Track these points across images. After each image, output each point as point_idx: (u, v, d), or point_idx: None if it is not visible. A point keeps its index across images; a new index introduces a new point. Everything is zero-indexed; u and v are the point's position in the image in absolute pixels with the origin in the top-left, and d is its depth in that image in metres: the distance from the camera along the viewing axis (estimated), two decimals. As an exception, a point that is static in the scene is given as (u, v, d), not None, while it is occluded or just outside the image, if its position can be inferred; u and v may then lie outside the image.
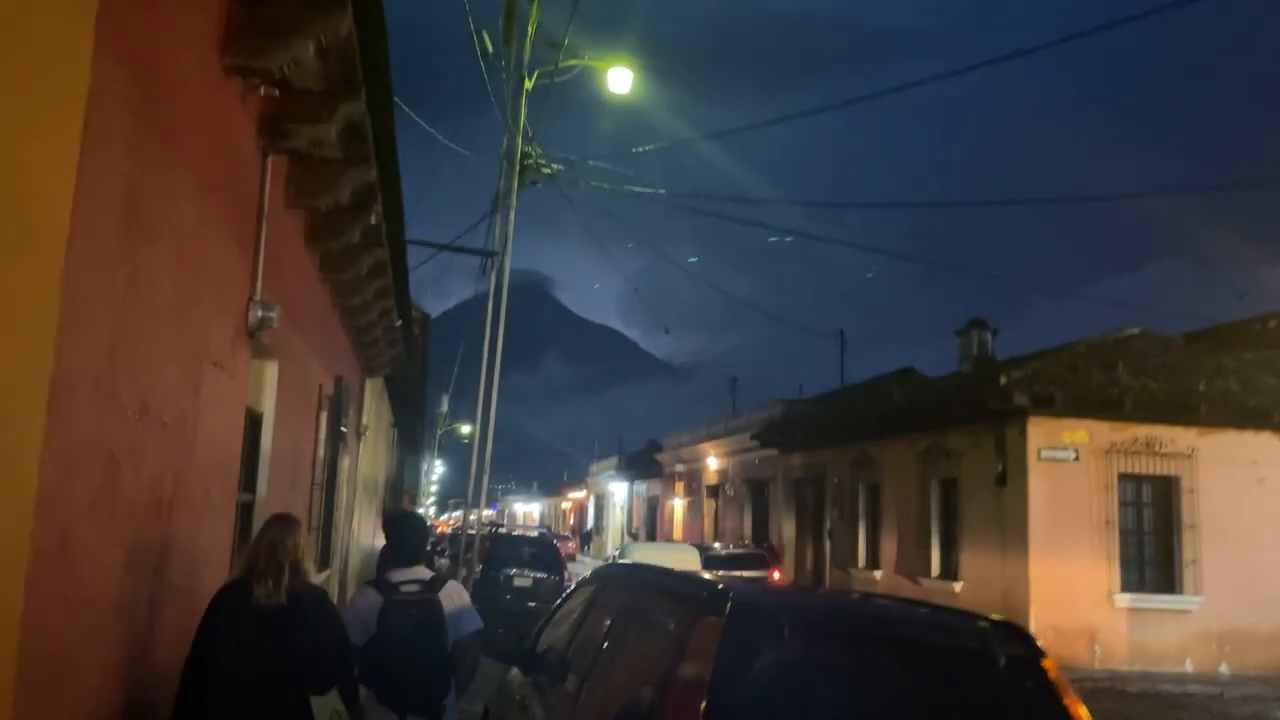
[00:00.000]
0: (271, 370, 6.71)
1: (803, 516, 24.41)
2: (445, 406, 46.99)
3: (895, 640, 3.51)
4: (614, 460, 49.90)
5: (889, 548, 19.14)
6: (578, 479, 62.80)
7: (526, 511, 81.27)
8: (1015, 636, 3.53)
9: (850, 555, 20.77)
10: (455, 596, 4.56)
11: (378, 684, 4.31)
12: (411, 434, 34.43)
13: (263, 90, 4.96)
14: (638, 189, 13.97)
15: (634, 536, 44.81)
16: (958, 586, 16.38)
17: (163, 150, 3.70)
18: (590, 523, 53.82)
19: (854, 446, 20.68)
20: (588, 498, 57.52)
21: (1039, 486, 14.87)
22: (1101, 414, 14.87)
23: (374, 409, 17.84)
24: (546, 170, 12.81)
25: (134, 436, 3.67)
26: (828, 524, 22.15)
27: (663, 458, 38.27)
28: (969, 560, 16.31)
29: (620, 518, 48.05)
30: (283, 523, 4.06)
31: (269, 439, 6.73)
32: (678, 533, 35.78)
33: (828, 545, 22.15)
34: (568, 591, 5.91)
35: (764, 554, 25.44)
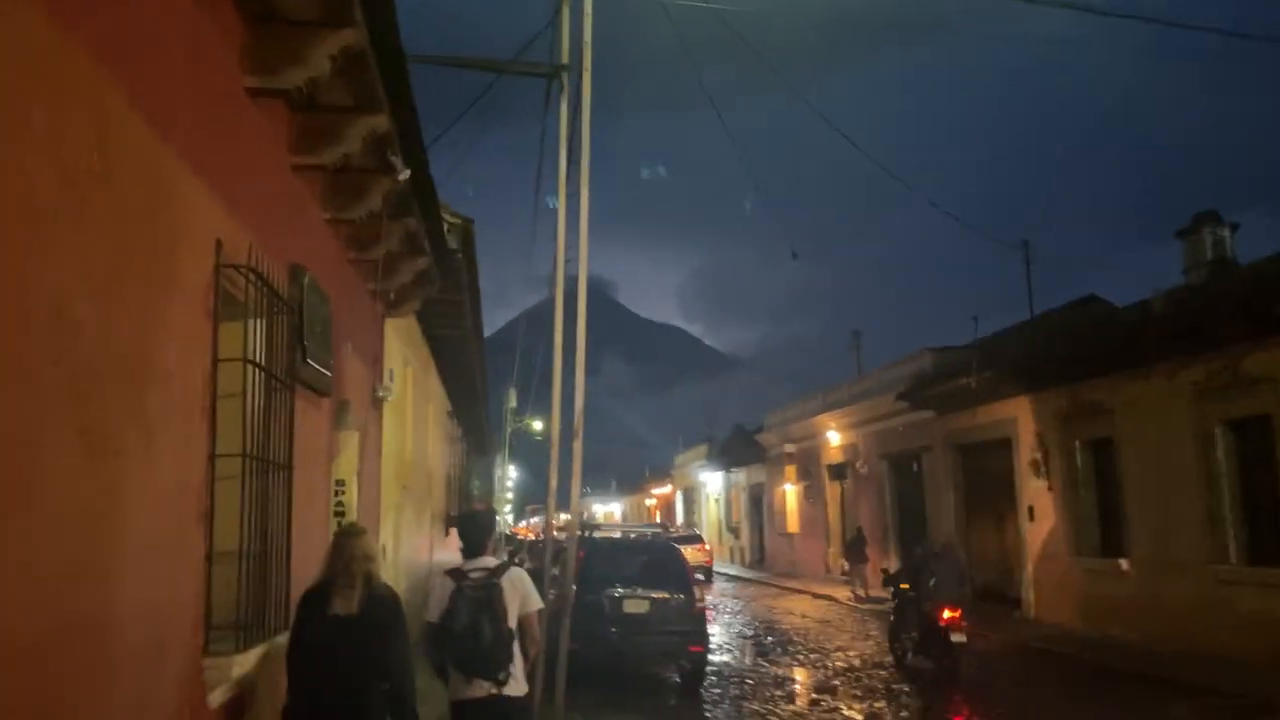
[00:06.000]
0: None
1: (977, 493, 18.89)
2: (513, 402, 42.49)
3: None
4: (703, 449, 44.59)
5: (1140, 526, 13.59)
6: (661, 473, 57.65)
7: (606, 512, 76.33)
8: None
9: (1072, 540, 15.22)
10: (518, 581, 5.19)
11: (449, 653, 5.03)
12: (477, 429, 29.69)
13: None
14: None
15: (734, 532, 39.56)
16: (1292, 578, 10.83)
17: None
18: (680, 520, 48.49)
19: (1064, 391, 15.15)
20: (674, 493, 52.34)
21: None
22: None
23: (411, 376, 12.87)
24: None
25: None
26: (1025, 500, 16.61)
27: (766, 438, 32.89)
28: (1310, 537, 10.74)
29: (716, 512, 42.76)
30: (351, 533, 4.59)
31: None
32: (792, 524, 30.42)
33: (1026, 528, 16.61)
34: None
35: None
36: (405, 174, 6.52)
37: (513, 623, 5.05)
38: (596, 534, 12.54)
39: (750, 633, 17.09)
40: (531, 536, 38.85)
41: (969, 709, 10.62)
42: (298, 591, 5.63)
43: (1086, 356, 14.43)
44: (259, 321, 4.87)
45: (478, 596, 5.00)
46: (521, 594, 5.16)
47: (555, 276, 8.37)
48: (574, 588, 10.72)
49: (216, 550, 4.44)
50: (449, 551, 23.99)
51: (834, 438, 26.04)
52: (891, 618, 13.01)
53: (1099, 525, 14.82)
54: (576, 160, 8.52)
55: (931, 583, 11.68)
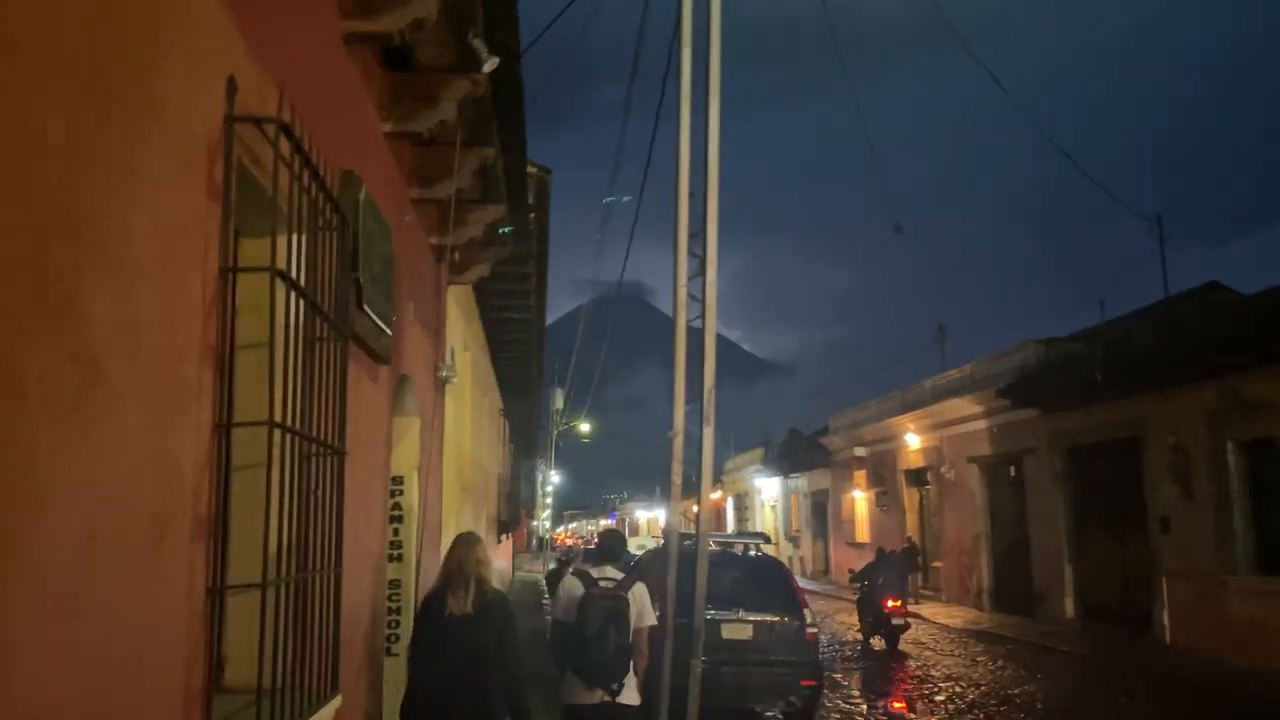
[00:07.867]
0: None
1: (1092, 501, 16.92)
2: (559, 403, 40.99)
3: None
4: (758, 453, 42.71)
5: (1317, 541, 11.62)
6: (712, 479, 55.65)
7: (650, 518, 74.46)
8: None
9: (1220, 555, 13.24)
10: (640, 595, 5.54)
11: (575, 656, 5.28)
12: (525, 430, 28.15)
13: None
14: None
15: (793, 541, 37.62)
16: None
17: None
18: (731, 528, 46.57)
19: (1212, 385, 13.20)
20: (724, 498, 50.43)
21: None
22: None
23: (470, 361, 11.28)
24: None
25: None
26: (1157, 509, 14.64)
27: (831, 441, 30.98)
28: None
29: (772, 519, 40.85)
30: (467, 541, 4.82)
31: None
32: (862, 534, 28.49)
33: (1158, 541, 14.64)
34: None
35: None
36: (492, 63, 4.87)
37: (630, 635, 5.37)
38: (686, 544, 10.84)
39: (839, 655, 15.27)
40: (570, 542, 37.17)
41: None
42: (351, 632, 4.00)
43: (1243, 343, 12.48)
44: (297, 234, 3.22)
45: (607, 606, 5.29)
46: (639, 608, 5.49)
47: (679, 187, 6.64)
48: (670, 612, 9.01)
49: (233, 577, 2.82)
50: (502, 559, 22.43)
51: (913, 440, 24.11)
52: (857, 607, 16.52)
53: (1256, 539, 12.84)
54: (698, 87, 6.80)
55: (880, 581, 15.49)
